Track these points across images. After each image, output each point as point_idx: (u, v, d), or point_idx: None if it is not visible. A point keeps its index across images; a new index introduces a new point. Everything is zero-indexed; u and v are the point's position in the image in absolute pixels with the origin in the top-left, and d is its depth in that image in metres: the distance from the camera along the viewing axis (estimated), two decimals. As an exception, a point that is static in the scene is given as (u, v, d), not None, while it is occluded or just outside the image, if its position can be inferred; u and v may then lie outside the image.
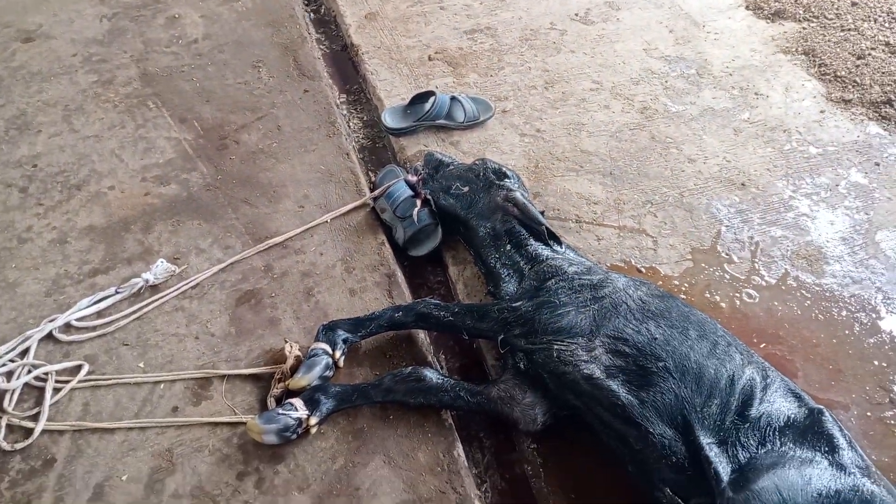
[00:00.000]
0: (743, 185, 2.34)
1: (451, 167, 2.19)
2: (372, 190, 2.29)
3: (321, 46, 2.99)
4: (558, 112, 2.59)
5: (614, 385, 1.56)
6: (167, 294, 1.93)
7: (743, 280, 2.06)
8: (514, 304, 1.74)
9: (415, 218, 2.09)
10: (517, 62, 2.81)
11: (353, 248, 2.10)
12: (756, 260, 2.12)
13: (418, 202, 2.14)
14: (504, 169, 2.12)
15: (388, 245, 2.12)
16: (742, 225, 2.22)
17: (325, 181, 2.31)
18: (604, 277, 1.76)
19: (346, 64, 2.92)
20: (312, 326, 1.87)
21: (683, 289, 2.03)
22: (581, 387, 1.59)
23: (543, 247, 1.94)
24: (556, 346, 1.63)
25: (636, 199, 2.28)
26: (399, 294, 1.98)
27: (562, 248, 1.96)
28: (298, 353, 1.77)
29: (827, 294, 2.03)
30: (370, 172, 2.42)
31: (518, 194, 2.02)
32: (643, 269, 2.08)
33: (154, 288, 1.95)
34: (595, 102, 2.64)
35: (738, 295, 2.03)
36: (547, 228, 1.93)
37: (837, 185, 2.35)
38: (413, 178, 2.20)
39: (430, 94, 2.48)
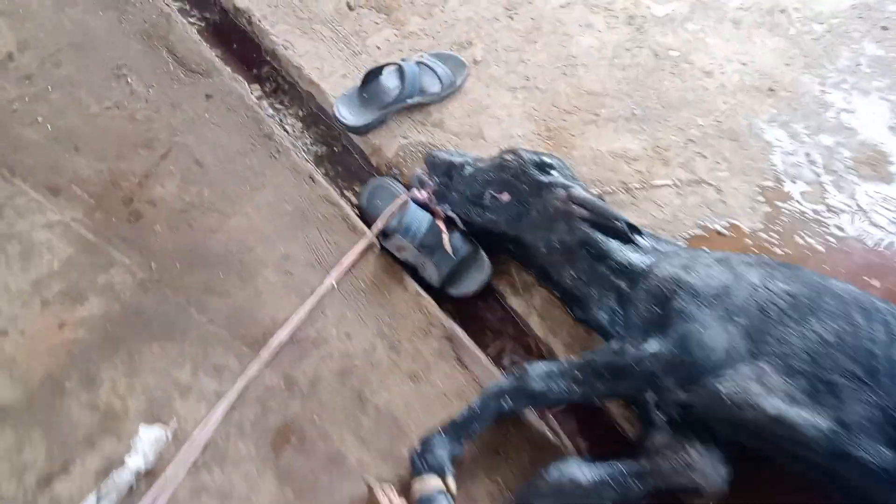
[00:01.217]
0: (771, 90, 2.03)
1: (468, 167, 1.67)
2: (364, 218, 1.73)
3: (191, 21, 2.17)
4: (538, 47, 2.08)
5: (808, 415, 1.27)
6: (174, 476, 1.34)
7: (823, 210, 1.81)
8: (651, 350, 1.36)
9: (448, 249, 1.60)
10: (460, -11, 2.20)
11: (384, 314, 1.58)
12: (823, 181, 1.87)
13: (441, 225, 1.63)
14: (543, 158, 1.64)
15: (424, 294, 1.62)
16: (791, 141, 1.94)
17: (301, 226, 1.71)
18: (732, 275, 1.41)
19: (236, 39, 2.16)
20: (388, 448, 1.41)
21: (774, 241, 1.75)
22: (768, 430, 1.29)
23: (630, 248, 1.54)
24: (722, 387, 1.30)
25: (675, 141, 1.91)
26: (473, 360, 1.53)
27: (644, 239, 1.58)
28: (399, 499, 1.31)
29: (907, 201, 1.84)
30: (345, 191, 1.84)
31: (578, 190, 1.57)
32: (724, 231, 1.76)
33: (150, 474, 1.35)
34: (573, 23, 2.15)
35: (826, 230, 1.78)
36: (626, 222, 1.53)
37: (859, 65, 2.11)
38: (423, 195, 1.67)
39: (387, 66, 1.87)
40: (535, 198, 1.59)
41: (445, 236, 1.61)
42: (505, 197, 1.61)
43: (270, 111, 1.98)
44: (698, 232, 1.76)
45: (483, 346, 1.61)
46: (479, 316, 1.68)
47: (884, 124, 1.98)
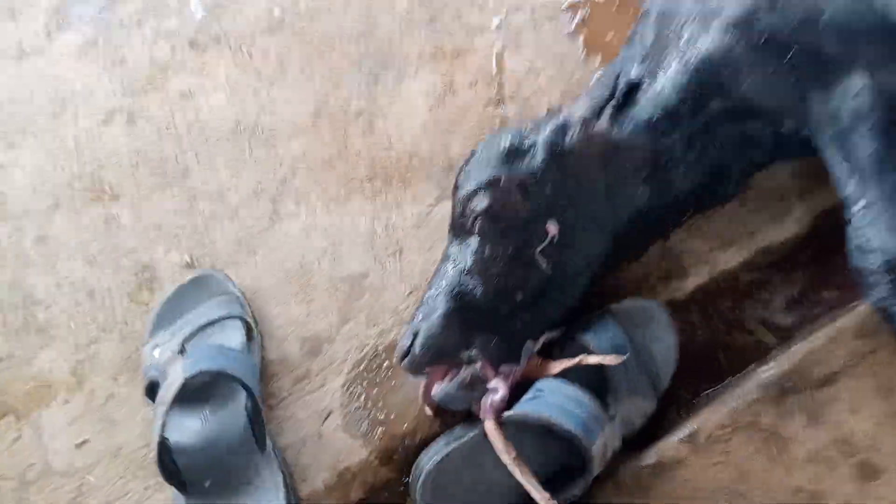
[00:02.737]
0: None
1: (458, 278, 0.91)
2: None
3: None
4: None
5: None
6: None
7: None
8: (852, 83, 0.91)
9: (615, 360, 0.88)
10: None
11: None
12: None
13: (566, 364, 0.91)
14: (498, 144, 0.96)
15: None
16: None
17: None
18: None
19: None
20: None
21: None
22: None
23: (650, 84, 1.00)
24: None
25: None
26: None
27: (634, 68, 1.05)
28: None
29: None
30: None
31: (573, 110, 0.98)
32: None
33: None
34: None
35: None
36: (615, 83, 1.01)
37: None
38: (501, 381, 0.87)
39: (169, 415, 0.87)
40: (571, 183, 0.93)
41: (594, 359, 0.88)
42: (552, 229, 0.92)
43: None
44: None
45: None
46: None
47: None
